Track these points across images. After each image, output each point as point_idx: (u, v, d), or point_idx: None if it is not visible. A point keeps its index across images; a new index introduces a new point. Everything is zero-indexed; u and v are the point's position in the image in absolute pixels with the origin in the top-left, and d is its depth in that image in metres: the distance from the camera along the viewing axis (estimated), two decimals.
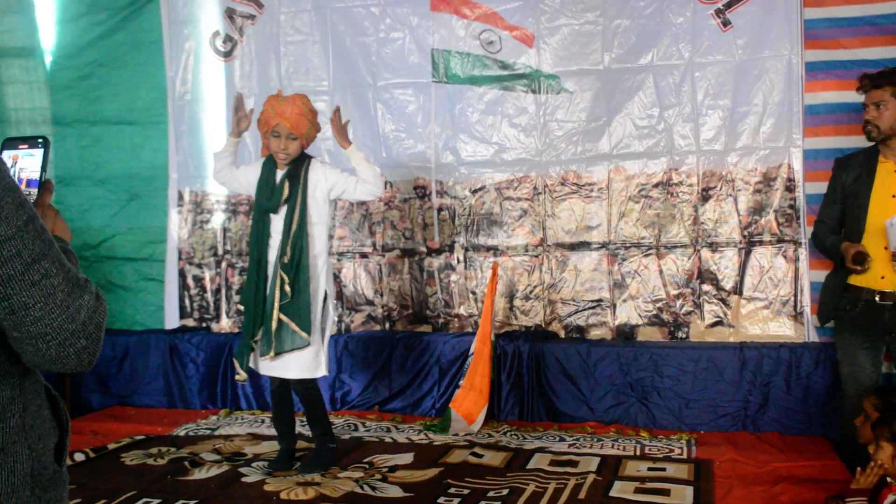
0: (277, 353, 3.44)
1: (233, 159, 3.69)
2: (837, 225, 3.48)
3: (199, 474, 3.54)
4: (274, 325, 3.44)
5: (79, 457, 3.79)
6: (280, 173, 3.53)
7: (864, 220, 3.29)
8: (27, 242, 1.12)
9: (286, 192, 3.47)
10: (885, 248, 3.21)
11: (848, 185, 3.40)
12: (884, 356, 3.44)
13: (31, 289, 1.12)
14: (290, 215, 3.45)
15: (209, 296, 5.08)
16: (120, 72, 5.13)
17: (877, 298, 3.23)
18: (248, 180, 3.64)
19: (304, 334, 3.41)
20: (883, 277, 3.24)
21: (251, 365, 3.54)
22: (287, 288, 3.42)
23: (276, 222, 3.50)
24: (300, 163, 3.52)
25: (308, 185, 3.48)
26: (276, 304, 3.43)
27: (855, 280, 3.33)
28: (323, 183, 3.50)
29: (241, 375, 3.52)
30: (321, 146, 4.67)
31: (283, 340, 3.45)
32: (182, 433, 4.29)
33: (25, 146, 1.38)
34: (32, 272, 1.12)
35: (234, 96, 3.82)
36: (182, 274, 5.11)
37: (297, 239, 3.43)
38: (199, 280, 5.09)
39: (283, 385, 3.59)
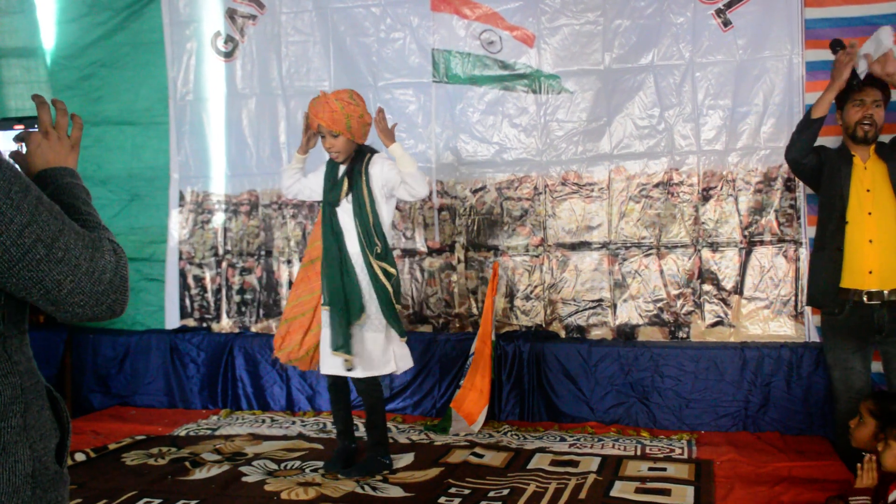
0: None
1: (302, 173, 3.70)
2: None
3: (199, 474, 3.54)
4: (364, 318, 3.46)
5: (79, 457, 3.79)
6: (342, 169, 3.55)
7: (845, 211, 3.29)
8: (42, 224, 1.16)
9: (346, 186, 3.49)
10: (870, 242, 3.21)
11: (829, 164, 3.41)
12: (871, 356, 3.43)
13: (58, 266, 1.17)
14: (362, 208, 3.44)
15: (210, 296, 5.08)
16: (121, 72, 5.14)
17: (864, 299, 3.22)
18: (317, 183, 3.65)
19: (398, 327, 3.49)
20: (871, 272, 3.23)
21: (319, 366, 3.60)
22: (383, 279, 3.44)
23: (343, 217, 3.51)
24: (360, 157, 3.52)
25: (370, 178, 3.47)
26: (375, 295, 3.45)
27: (842, 282, 3.30)
28: (378, 178, 3.48)
29: (351, 359, 3.44)
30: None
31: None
32: (182, 433, 4.30)
33: (22, 127, 1.42)
34: (56, 250, 1.17)
35: (303, 115, 3.72)
36: (183, 274, 5.11)
37: (378, 229, 3.46)
38: (199, 280, 5.10)
39: (338, 380, 3.59)
